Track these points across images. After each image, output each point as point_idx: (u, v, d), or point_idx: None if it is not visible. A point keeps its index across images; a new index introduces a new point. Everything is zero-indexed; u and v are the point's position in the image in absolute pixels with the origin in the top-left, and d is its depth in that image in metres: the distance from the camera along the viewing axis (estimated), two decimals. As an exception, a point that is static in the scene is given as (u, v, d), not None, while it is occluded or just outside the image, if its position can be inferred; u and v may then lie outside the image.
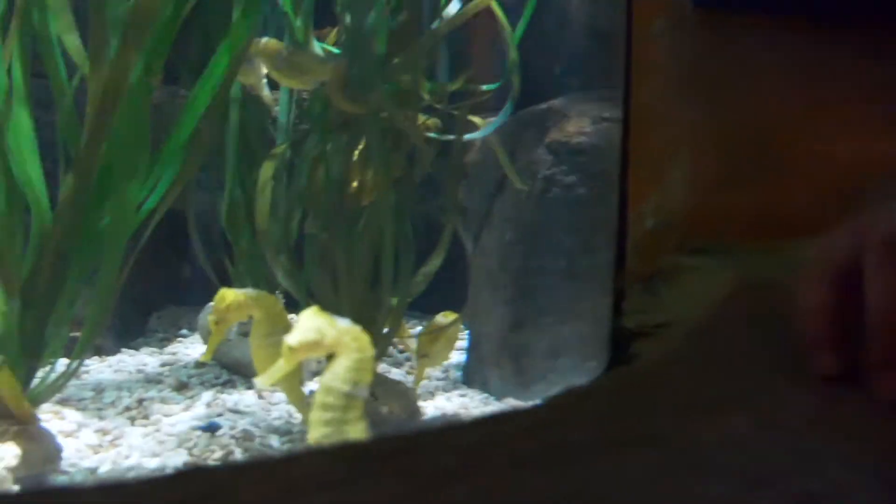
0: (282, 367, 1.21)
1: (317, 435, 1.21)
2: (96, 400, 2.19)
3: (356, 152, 1.95)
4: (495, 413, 0.85)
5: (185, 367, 2.49)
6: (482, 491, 0.25)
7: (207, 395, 2.18)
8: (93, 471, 1.60)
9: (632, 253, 0.61)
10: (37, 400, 1.57)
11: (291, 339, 1.18)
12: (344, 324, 1.21)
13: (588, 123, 2.12)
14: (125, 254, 1.55)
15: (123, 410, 2.08)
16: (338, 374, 1.17)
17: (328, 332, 1.17)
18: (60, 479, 1.50)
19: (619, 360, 0.58)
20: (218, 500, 0.25)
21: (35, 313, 1.48)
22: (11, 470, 1.31)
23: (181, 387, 2.27)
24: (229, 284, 2.48)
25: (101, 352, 2.37)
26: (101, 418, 2.04)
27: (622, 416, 0.33)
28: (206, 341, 2.49)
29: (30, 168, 1.47)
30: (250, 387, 2.30)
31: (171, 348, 2.77)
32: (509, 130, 2.17)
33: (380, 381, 1.89)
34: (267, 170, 1.74)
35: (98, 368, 1.76)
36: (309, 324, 1.17)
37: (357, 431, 1.20)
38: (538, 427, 0.32)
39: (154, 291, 2.83)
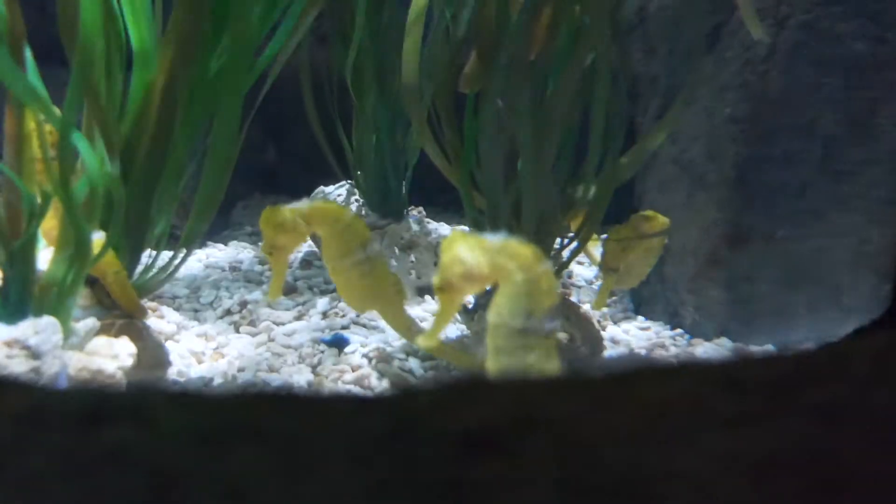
0: (442, 316, 0.89)
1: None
2: (191, 299, 1.90)
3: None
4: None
5: (289, 265, 2.12)
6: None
7: (322, 303, 1.80)
8: (206, 382, 1.34)
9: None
10: (142, 290, 1.27)
11: (435, 278, 0.87)
12: (495, 240, 0.86)
13: (881, -58, 1.44)
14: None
15: (225, 314, 1.79)
16: (502, 307, 0.86)
17: (479, 259, 0.85)
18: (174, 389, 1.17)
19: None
20: None
21: (138, 180, 1.15)
22: (125, 371, 1.07)
23: (288, 290, 1.90)
24: (345, 167, 2.03)
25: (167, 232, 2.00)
26: (199, 321, 1.76)
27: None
28: (314, 238, 2.08)
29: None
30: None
31: (264, 245, 2.42)
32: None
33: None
34: (420, 2, 1.19)
35: (187, 262, 1.42)
36: (451, 254, 0.85)
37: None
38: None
39: (238, 175, 2.49)
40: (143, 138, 1.19)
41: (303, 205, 1.15)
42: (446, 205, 2.30)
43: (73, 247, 1.00)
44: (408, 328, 1.26)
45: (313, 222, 1.14)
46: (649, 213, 1.44)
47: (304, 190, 2.84)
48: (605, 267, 1.44)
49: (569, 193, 1.31)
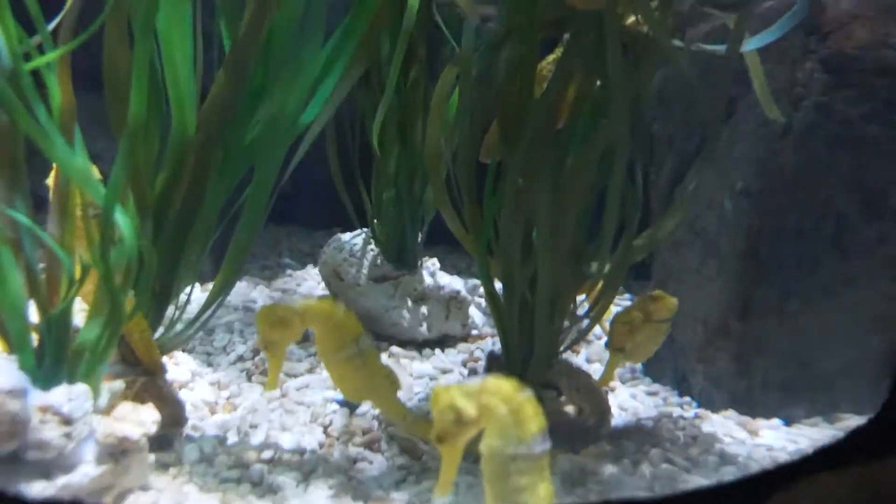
0: (448, 466, 0.91)
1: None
2: (205, 342, 1.94)
3: (547, 62, 1.44)
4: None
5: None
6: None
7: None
8: (221, 440, 1.35)
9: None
10: (165, 347, 1.33)
11: (432, 433, 0.92)
12: (475, 382, 0.93)
13: None
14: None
15: (237, 360, 1.83)
16: (492, 439, 0.92)
17: (465, 403, 0.91)
18: (189, 447, 1.28)
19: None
20: None
21: (167, 240, 1.22)
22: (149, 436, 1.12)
23: (301, 339, 1.92)
24: (363, 215, 2.09)
25: (199, 279, 2.04)
26: (212, 366, 1.81)
27: None
28: (327, 282, 2.13)
29: (178, 60, 1.07)
30: (379, 345, 1.95)
31: (278, 282, 2.46)
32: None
33: (566, 373, 1.44)
34: (447, 78, 1.25)
35: (199, 299, 1.45)
36: (440, 405, 0.91)
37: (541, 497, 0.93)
38: None
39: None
40: (174, 200, 1.24)
41: (297, 303, 1.20)
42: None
43: (107, 313, 1.04)
44: (403, 416, 1.30)
45: (307, 320, 1.19)
46: (658, 293, 1.47)
47: (324, 227, 2.89)
48: (612, 347, 1.46)
49: (583, 268, 1.35)
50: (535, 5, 1.18)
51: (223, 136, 1.21)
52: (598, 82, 1.28)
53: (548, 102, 1.21)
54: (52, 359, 1.02)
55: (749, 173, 1.65)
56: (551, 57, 1.49)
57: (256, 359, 1.80)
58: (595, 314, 1.34)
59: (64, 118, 0.99)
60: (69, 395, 0.99)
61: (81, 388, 1.01)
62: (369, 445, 1.37)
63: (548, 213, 1.19)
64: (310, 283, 2.47)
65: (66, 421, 0.98)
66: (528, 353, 1.39)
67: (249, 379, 1.72)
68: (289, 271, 2.63)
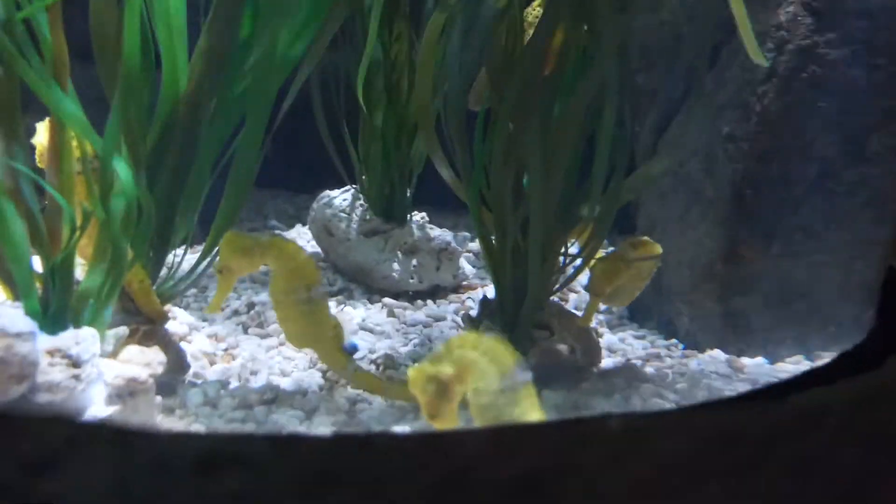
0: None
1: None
2: (199, 298, 1.97)
3: (532, 7, 1.46)
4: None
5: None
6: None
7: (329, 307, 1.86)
8: (224, 384, 1.39)
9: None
10: (163, 297, 1.36)
11: (423, 412, 0.96)
12: (441, 350, 0.95)
13: (876, -26, 1.52)
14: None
15: (232, 315, 1.86)
16: (475, 386, 0.94)
17: (442, 368, 0.94)
18: (193, 391, 1.32)
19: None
20: None
21: (163, 190, 1.24)
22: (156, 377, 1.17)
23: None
24: (350, 171, 2.11)
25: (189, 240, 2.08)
26: (208, 321, 1.83)
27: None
28: (317, 238, 2.16)
29: (172, 12, 1.11)
30: (371, 297, 1.98)
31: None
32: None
33: (557, 314, 1.48)
34: (434, 27, 1.26)
35: (190, 259, 1.48)
36: (419, 383, 0.93)
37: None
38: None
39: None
40: (168, 150, 1.27)
41: (264, 237, 1.22)
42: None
43: (110, 260, 1.07)
44: (343, 367, 1.32)
45: (268, 255, 1.22)
46: (641, 238, 1.49)
47: (308, 191, 2.92)
48: (592, 291, 1.48)
49: (573, 212, 1.39)
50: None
51: (214, 85, 1.23)
52: (585, 27, 1.30)
53: (534, 49, 1.23)
54: (57, 305, 1.05)
55: (733, 118, 1.69)
56: (536, 2, 1.51)
57: (252, 312, 1.84)
58: (585, 257, 1.38)
59: (57, 66, 1.00)
60: (76, 339, 1.02)
61: (88, 331, 1.04)
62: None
63: (538, 159, 1.22)
64: (300, 241, 2.50)
65: (75, 363, 1.01)
66: (521, 296, 1.43)
67: (246, 332, 1.75)
68: (276, 232, 2.65)
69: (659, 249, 1.43)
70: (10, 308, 1.01)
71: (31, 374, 0.98)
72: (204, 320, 1.85)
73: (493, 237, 1.42)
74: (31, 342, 0.97)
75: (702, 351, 1.67)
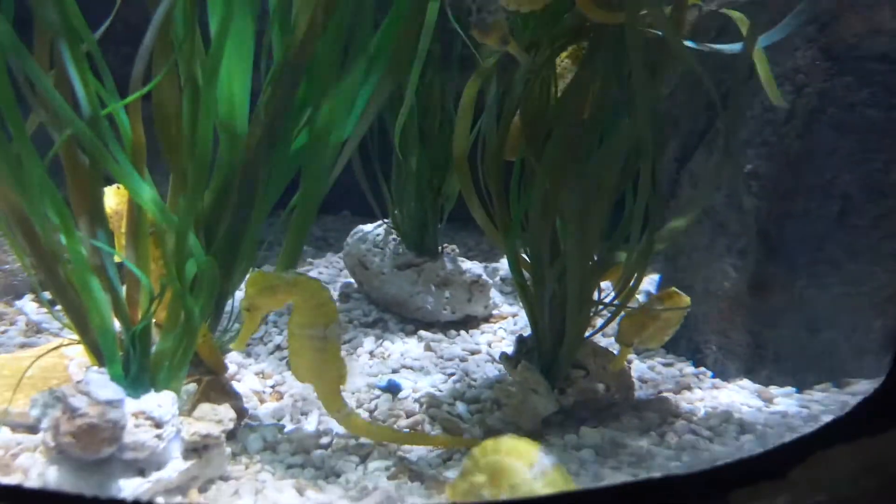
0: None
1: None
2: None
3: (562, 57, 1.55)
4: None
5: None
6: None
7: (368, 343, 1.97)
8: (280, 428, 1.48)
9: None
10: (223, 347, 1.46)
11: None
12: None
13: (891, 18, 1.59)
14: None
15: (275, 350, 1.97)
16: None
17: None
18: (253, 437, 1.41)
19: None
20: None
21: (220, 250, 1.34)
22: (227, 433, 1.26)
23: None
24: (383, 207, 2.21)
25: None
26: (253, 357, 1.93)
27: None
28: (352, 271, 2.26)
29: (236, 93, 1.20)
30: (405, 327, 2.08)
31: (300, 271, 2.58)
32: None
33: (592, 353, 1.57)
34: (472, 88, 1.36)
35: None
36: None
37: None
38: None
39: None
40: (225, 212, 1.36)
41: (289, 275, 1.29)
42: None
43: (182, 325, 1.18)
44: (338, 410, 1.37)
45: (293, 293, 1.28)
46: (668, 290, 1.54)
47: (333, 212, 3.00)
48: (620, 342, 1.55)
49: (607, 258, 1.48)
50: (556, 22, 1.29)
51: (270, 154, 1.33)
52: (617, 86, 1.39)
53: (567, 109, 1.33)
54: (137, 368, 1.16)
55: (755, 156, 1.77)
56: (565, 53, 1.60)
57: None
58: (621, 301, 1.47)
59: (136, 154, 1.11)
60: (158, 402, 1.13)
61: (168, 394, 1.15)
62: (413, 427, 1.52)
63: (576, 215, 1.31)
64: (330, 270, 2.60)
65: (157, 424, 1.12)
66: (557, 336, 1.52)
67: (289, 367, 1.85)
68: (308, 259, 2.74)
69: (687, 301, 1.50)
70: (97, 374, 1.12)
71: (120, 436, 1.09)
72: (248, 356, 1.95)
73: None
74: (120, 408, 1.07)
75: (730, 380, 1.75)
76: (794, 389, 1.68)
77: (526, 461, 0.95)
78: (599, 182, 1.35)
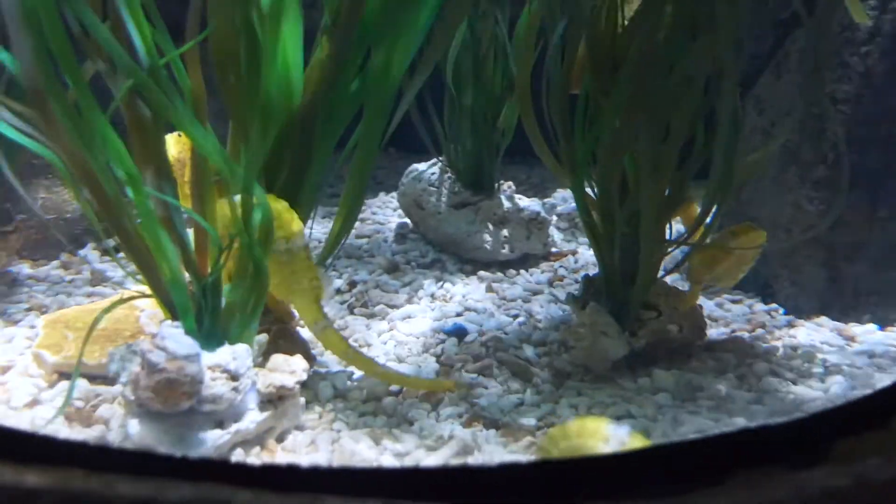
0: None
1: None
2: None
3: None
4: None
5: (384, 240, 2.27)
6: None
7: (429, 285, 1.95)
8: (349, 375, 1.46)
9: None
10: None
11: None
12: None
13: None
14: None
15: (335, 293, 1.92)
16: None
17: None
18: (323, 384, 1.40)
19: None
20: None
21: (283, 191, 1.31)
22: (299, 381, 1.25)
23: (391, 268, 2.05)
24: (438, 146, 2.16)
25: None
26: None
27: None
28: (407, 212, 2.24)
29: (288, 39, 1.15)
30: (462, 267, 2.06)
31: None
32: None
33: (663, 293, 1.52)
34: (531, 17, 1.29)
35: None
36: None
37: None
38: None
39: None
40: (285, 156, 1.34)
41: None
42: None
43: (251, 277, 1.16)
44: (315, 322, 1.35)
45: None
46: (743, 225, 1.48)
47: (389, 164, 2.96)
48: (691, 280, 1.52)
49: (679, 194, 1.42)
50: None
51: (327, 98, 1.28)
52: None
53: (639, 34, 1.25)
54: (210, 322, 1.16)
55: (833, 79, 1.66)
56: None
57: (354, 291, 1.93)
58: (696, 241, 1.42)
59: (197, 105, 1.08)
60: (233, 354, 1.13)
61: (242, 346, 1.15)
62: (482, 372, 1.50)
63: (648, 151, 1.25)
64: (384, 210, 2.58)
65: (233, 377, 1.12)
66: (627, 277, 1.48)
67: (352, 312, 1.84)
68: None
69: (763, 237, 1.45)
70: (172, 328, 1.12)
71: (198, 390, 1.09)
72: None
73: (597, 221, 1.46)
74: (197, 363, 1.08)
75: (805, 317, 1.70)
76: (876, 327, 1.62)
77: (600, 439, 0.93)
78: (674, 114, 1.28)
